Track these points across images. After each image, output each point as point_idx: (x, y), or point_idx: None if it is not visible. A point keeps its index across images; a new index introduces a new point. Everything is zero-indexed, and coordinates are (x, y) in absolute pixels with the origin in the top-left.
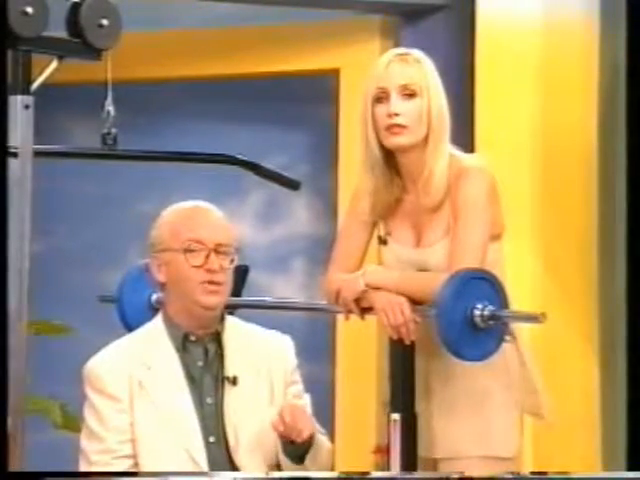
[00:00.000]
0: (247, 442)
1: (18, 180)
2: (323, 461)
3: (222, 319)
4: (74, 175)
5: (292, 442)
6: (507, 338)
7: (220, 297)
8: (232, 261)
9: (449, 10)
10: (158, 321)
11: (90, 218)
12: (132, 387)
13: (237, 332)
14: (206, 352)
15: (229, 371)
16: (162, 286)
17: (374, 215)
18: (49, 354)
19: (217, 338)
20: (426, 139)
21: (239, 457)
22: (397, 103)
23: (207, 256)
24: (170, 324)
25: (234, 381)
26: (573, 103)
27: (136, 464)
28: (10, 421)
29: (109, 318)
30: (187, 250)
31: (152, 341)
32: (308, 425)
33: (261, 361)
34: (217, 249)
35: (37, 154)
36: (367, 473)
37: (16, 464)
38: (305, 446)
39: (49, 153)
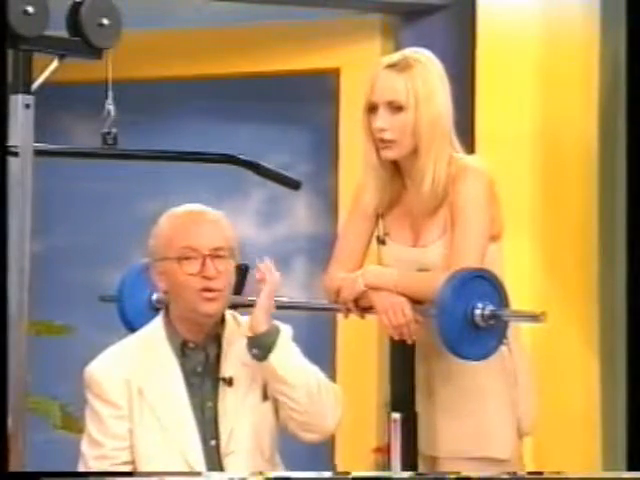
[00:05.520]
0: (242, 442)
1: (18, 180)
2: (294, 360)
3: (223, 320)
4: (74, 175)
5: (255, 337)
6: (505, 341)
7: (219, 304)
8: (232, 262)
9: (449, 10)
10: (158, 325)
11: (90, 218)
12: (131, 394)
13: (238, 331)
14: (207, 357)
15: (225, 372)
16: (165, 293)
17: (379, 206)
18: (49, 354)
19: (218, 341)
20: (417, 149)
21: (234, 458)
22: (384, 118)
23: (203, 263)
24: (170, 330)
25: (230, 382)
26: (574, 102)
27: (134, 470)
28: (10, 421)
29: (109, 318)
30: (182, 258)
31: (152, 346)
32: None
33: None
34: (213, 254)
35: (37, 154)
36: (348, 473)
37: (16, 464)
38: (268, 338)
39: (49, 153)
